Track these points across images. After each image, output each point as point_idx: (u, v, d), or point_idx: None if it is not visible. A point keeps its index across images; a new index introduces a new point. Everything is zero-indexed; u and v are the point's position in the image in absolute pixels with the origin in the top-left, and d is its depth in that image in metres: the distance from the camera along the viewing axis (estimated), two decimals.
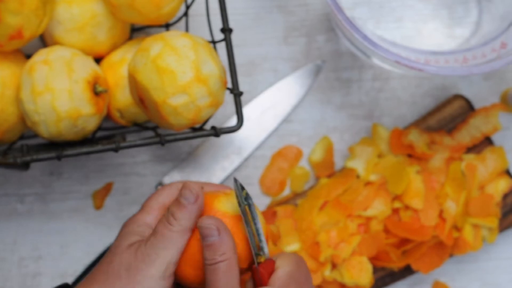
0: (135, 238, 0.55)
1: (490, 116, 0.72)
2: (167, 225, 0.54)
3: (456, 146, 0.72)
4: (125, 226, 0.57)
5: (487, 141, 0.73)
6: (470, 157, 0.72)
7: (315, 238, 0.69)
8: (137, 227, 0.56)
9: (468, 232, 0.70)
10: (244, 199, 0.54)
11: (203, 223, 0.53)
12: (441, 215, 0.69)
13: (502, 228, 0.72)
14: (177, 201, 0.54)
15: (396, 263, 0.69)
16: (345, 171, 0.72)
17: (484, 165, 0.71)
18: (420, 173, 0.70)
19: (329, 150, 0.74)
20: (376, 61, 0.69)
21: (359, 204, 0.70)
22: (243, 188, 0.54)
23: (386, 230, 0.69)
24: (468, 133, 0.72)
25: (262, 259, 0.54)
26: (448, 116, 0.74)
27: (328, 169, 0.74)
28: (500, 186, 0.71)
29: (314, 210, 0.70)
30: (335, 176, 0.72)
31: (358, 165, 0.72)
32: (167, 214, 0.54)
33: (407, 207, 0.70)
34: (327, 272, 0.69)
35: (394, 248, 0.69)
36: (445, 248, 0.70)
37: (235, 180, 0.55)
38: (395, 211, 0.70)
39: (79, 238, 0.74)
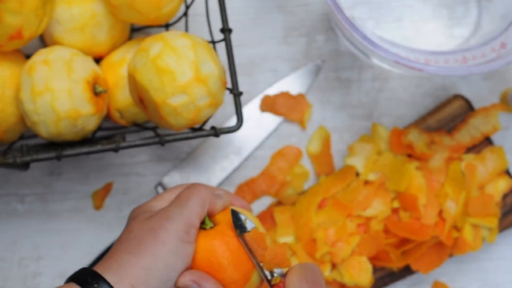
0: (150, 214, 0.56)
1: (490, 116, 0.72)
2: None
3: (456, 146, 0.72)
4: (134, 210, 0.57)
5: (487, 141, 0.73)
6: (470, 157, 0.72)
7: (312, 235, 0.69)
8: (149, 207, 0.57)
9: (468, 232, 0.70)
10: (242, 227, 0.54)
11: (180, 283, 0.54)
12: (440, 215, 0.69)
13: (502, 228, 0.72)
14: None
15: (396, 263, 0.69)
16: (345, 169, 0.72)
17: (484, 165, 0.71)
18: (419, 169, 0.70)
19: (326, 140, 0.74)
20: (375, 61, 0.69)
21: (359, 204, 0.70)
22: (238, 218, 0.54)
23: (386, 230, 0.69)
24: (468, 133, 0.72)
25: (277, 280, 0.54)
26: (448, 116, 0.74)
27: (327, 163, 0.74)
28: (500, 186, 0.71)
29: (312, 207, 0.70)
30: (334, 174, 0.72)
31: (357, 162, 0.72)
32: None
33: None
34: (327, 272, 0.69)
35: (394, 248, 0.69)
36: (445, 248, 0.70)
37: (232, 211, 0.55)
38: (395, 211, 0.70)
39: (79, 238, 0.74)
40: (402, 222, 0.69)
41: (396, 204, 0.70)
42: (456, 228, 0.70)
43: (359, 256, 0.69)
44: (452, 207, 0.69)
